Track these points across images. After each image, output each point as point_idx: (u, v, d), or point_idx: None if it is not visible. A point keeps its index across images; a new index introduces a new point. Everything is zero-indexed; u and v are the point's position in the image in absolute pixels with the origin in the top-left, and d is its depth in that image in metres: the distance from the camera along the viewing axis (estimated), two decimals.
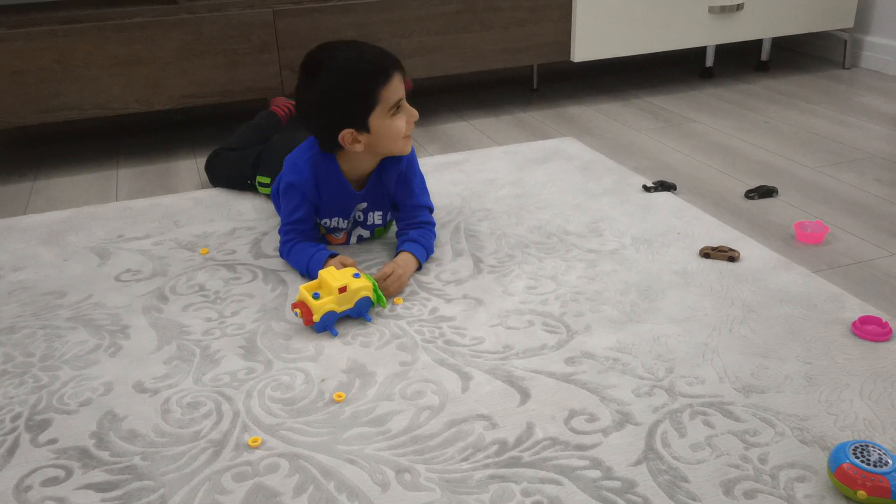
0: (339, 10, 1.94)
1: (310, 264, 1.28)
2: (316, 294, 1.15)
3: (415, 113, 1.29)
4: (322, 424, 0.96)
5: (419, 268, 1.32)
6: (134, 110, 1.87)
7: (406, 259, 1.30)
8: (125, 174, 1.88)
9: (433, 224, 1.40)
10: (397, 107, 1.26)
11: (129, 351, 1.13)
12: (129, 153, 2.02)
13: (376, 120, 1.25)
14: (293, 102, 1.91)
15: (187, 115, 2.32)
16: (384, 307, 1.21)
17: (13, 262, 1.41)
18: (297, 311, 1.15)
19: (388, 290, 1.23)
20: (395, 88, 1.25)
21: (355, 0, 1.97)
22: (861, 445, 0.83)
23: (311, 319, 1.14)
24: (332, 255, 1.29)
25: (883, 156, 1.82)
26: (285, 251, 1.35)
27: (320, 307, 1.13)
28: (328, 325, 1.15)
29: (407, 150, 1.33)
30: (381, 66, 1.24)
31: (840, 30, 2.53)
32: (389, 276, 1.24)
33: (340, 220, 1.38)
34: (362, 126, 1.25)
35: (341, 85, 1.23)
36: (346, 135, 1.25)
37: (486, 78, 2.63)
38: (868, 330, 1.09)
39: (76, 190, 1.79)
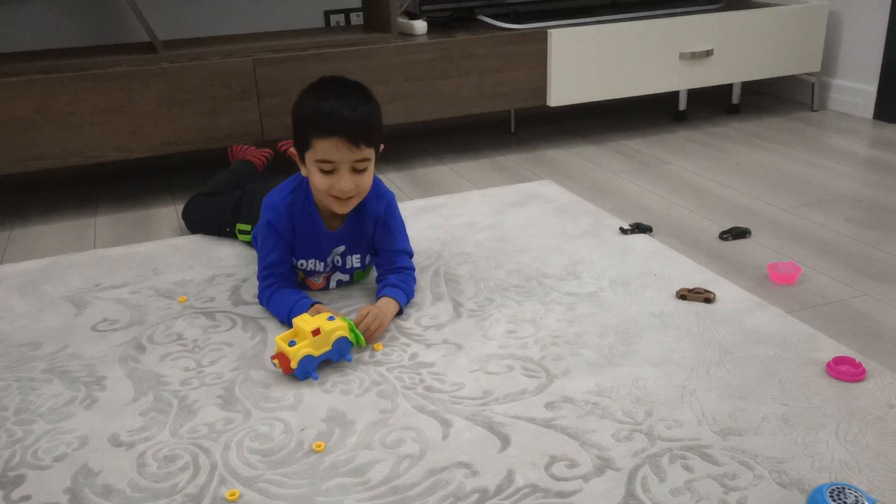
0: (318, 58, 1.97)
1: (291, 312, 1.28)
2: (292, 342, 1.14)
3: (344, 188, 1.24)
4: (301, 476, 0.95)
5: (400, 312, 1.32)
6: (113, 158, 1.87)
7: (386, 303, 1.30)
8: (103, 222, 1.87)
9: (413, 269, 1.41)
10: (331, 168, 1.24)
11: (105, 403, 1.11)
12: (108, 201, 2.02)
13: (308, 160, 1.27)
14: (268, 152, 1.94)
15: (166, 162, 2.33)
16: (363, 346, 1.21)
17: None
18: (276, 361, 1.15)
19: (368, 330, 1.23)
20: (330, 149, 1.22)
21: (334, 48, 2.00)
22: (838, 488, 0.84)
23: (290, 367, 1.13)
24: (315, 304, 1.29)
25: (852, 196, 1.86)
26: (265, 298, 1.34)
27: (295, 352, 1.13)
28: (309, 370, 1.15)
29: (339, 210, 1.29)
30: (327, 122, 1.21)
31: (807, 73, 2.60)
32: (366, 316, 1.24)
33: (317, 261, 1.38)
34: (301, 155, 1.29)
35: (299, 110, 1.27)
36: (294, 150, 1.30)
37: (465, 122, 2.67)
38: (842, 370, 1.11)
39: (54, 238, 1.78)
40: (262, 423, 1.05)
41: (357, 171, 1.25)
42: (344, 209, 1.30)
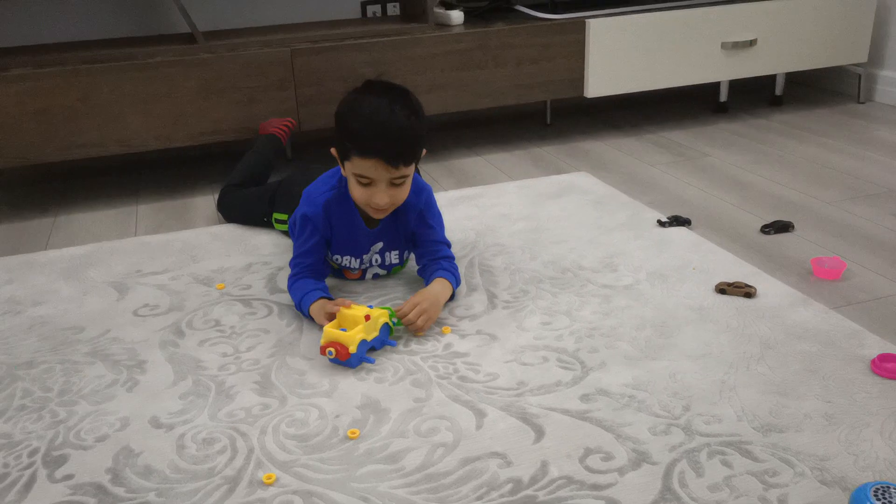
0: (355, 48, 1.98)
1: (303, 300, 1.29)
2: (343, 329, 1.16)
3: (380, 203, 1.24)
4: (336, 461, 0.96)
5: (452, 297, 1.33)
6: (154, 147, 1.90)
7: (441, 287, 1.29)
8: (145, 210, 1.90)
9: (454, 257, 1.40)
10: (368, 182, 1.23)
11: (146, 386, 1.13)
12: (149, 189, 2.06)
13: (348, 168, 1.26)
14: (289, 121, 1.94)
15: (205, 152, 2.36)
16: (400, 326, 1.23)
17: (33, 296, 1.43)
18: (332, 349, 1.14)
19: (413, 324, 1.23)
20: (368, 168, 1.21)
21: (370, 39, 2.01)
22: (882, 487, 0.82)
23: (348, 353, 1.14)
24: (327, 298, 1.28)
25: None
26: (290, 284, 1.35)
27: (353, 337, 1.13)
28: (362, 354, 1.16)
29: (374, 216, 1.30)
30: (366, 144, 1.20)
31: (854, 64, 2.54)
32: (410, 308, 1.23)
33: (352, 258, 1.38)
34: (341, 160, 1.28)
35: (342, 118, 1.25)
36: (335, 149, 1.28)
37: (500, 113, 2.65)
38: (888, 367, 1.08)
39: (97, 225, 1.81)
40: (298, 409, 1.06)
41: (394, 185, 1.25)
42: (379, 216, 1.31)
